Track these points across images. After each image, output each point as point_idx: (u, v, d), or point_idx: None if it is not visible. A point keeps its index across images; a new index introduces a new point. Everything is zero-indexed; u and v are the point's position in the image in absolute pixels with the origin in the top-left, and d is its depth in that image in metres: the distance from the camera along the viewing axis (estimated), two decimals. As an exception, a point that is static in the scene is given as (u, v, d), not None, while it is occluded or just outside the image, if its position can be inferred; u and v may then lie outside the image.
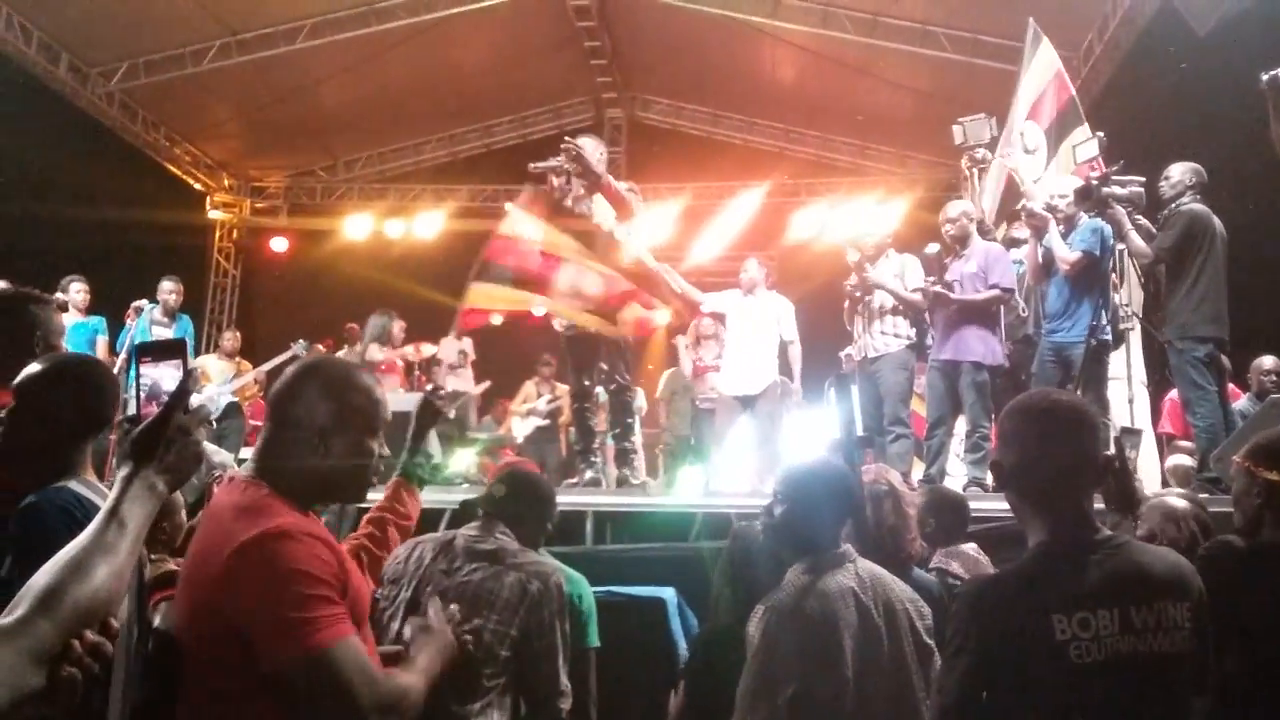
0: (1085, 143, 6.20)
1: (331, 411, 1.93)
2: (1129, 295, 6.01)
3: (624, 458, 5.84)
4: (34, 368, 2.37)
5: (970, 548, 3.51)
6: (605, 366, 5.87)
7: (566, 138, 5.71)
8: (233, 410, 8.52)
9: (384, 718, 1.82)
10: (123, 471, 1.44)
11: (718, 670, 2.89)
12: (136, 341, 7.94)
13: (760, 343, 7.19)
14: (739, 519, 4.72)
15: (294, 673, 1.75)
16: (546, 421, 10.02)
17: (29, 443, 2.28)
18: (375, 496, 2.96)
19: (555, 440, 10.18)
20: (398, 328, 8.76)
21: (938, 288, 5.99)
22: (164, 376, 1.67)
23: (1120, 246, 5.50)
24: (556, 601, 2.94)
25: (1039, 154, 7.06)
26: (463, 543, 2.95)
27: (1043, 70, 7.48)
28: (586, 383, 5.91)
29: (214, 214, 15.18)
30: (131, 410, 1.68)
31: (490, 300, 5.62)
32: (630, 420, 5.89)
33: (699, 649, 3.00)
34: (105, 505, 1.39)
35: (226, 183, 15.22)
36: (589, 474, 5.96)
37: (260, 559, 1.76)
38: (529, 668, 2.87)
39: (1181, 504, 3.16)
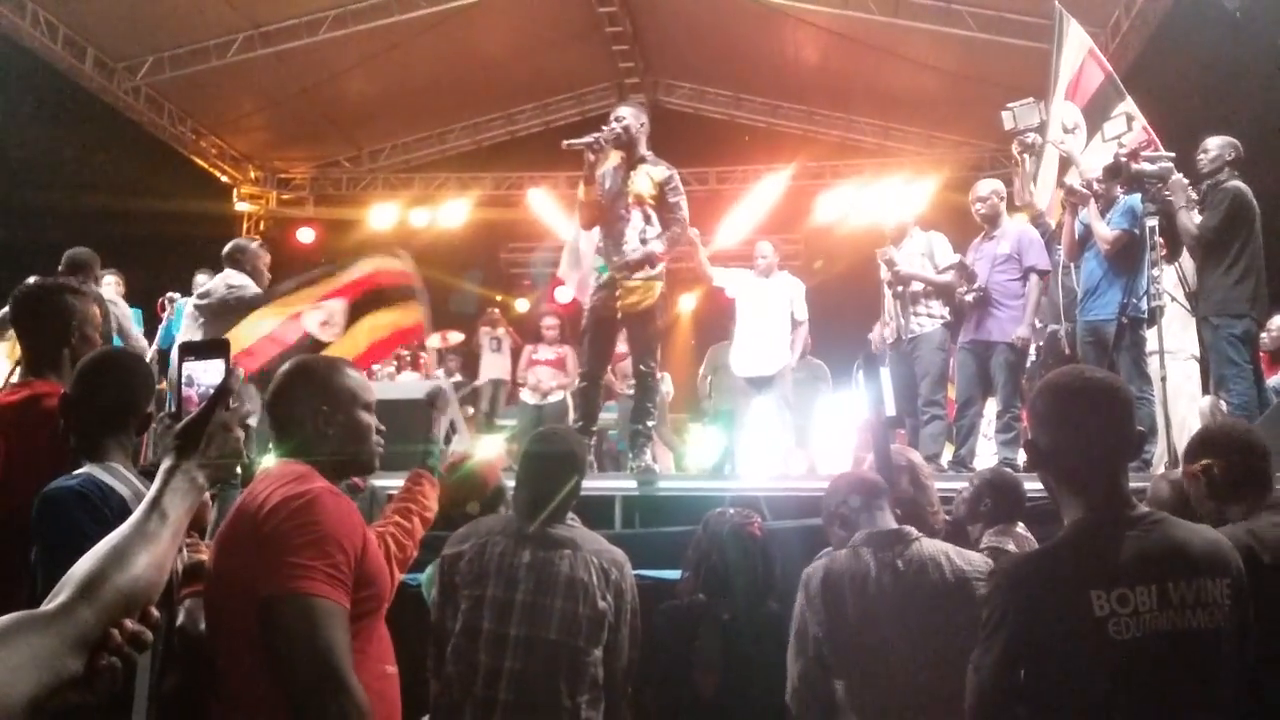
0: (1114, 119, 6.11)
1: (322, 397, 2.14)
2: (1170, 272, 5.92)
3: (636, 440, 5.79)
4: (85, 359, 2.46)
5: (1021, 527, 3.51)
6: (634, 351, 5.79)
7: (614, 116, 5.64)
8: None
9: (322, 693, 1.81)
10: (165, 464, 1.47)
11: (669, 644, 3.12)
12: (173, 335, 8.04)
13: (774, 324, 7.17)
14: (768, 503, 4.73)
15: (275, 609, 1.84)
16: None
17: (80, 430, 2.32)
18: (396, 483, 2.98)
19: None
20: None
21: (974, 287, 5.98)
22: (207, 373, 1.72)
23: (1153, 223, 5.41)
24: (631, 591, 2.98)
25: (1079, 133, 6.95)
26: (536, 530, 2.93)
27: (1075, 51, 7.38)
28: (603, 366, 5.84)
29: (241, 206, 15.27)
30: (173, 406, 1.73)
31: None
32: (651, 405, 5.82)
33: (654, 621, 3.16)
34: (148, 496, 1.40)
35: (253, 174, 15.32)
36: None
37: (292, 512, 1.89)
38: (608, 657, 2.89)
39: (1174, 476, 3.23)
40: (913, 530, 2.77)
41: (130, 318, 6.91)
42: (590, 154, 5.51)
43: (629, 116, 5.62)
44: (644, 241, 5.56)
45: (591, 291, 5.78)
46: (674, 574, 3.78)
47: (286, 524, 1.89)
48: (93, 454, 2.25)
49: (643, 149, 5.65)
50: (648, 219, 5.57)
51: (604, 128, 5.57)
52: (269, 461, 2.14)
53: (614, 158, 5.64)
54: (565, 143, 5.65)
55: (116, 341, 6.31)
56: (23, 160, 10.10)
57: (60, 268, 6.07)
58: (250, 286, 5.98)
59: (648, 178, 5.58)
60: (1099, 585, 1.86)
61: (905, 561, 2.67)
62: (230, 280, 5.96)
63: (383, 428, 2.25)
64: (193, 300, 5.95)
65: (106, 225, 10.21)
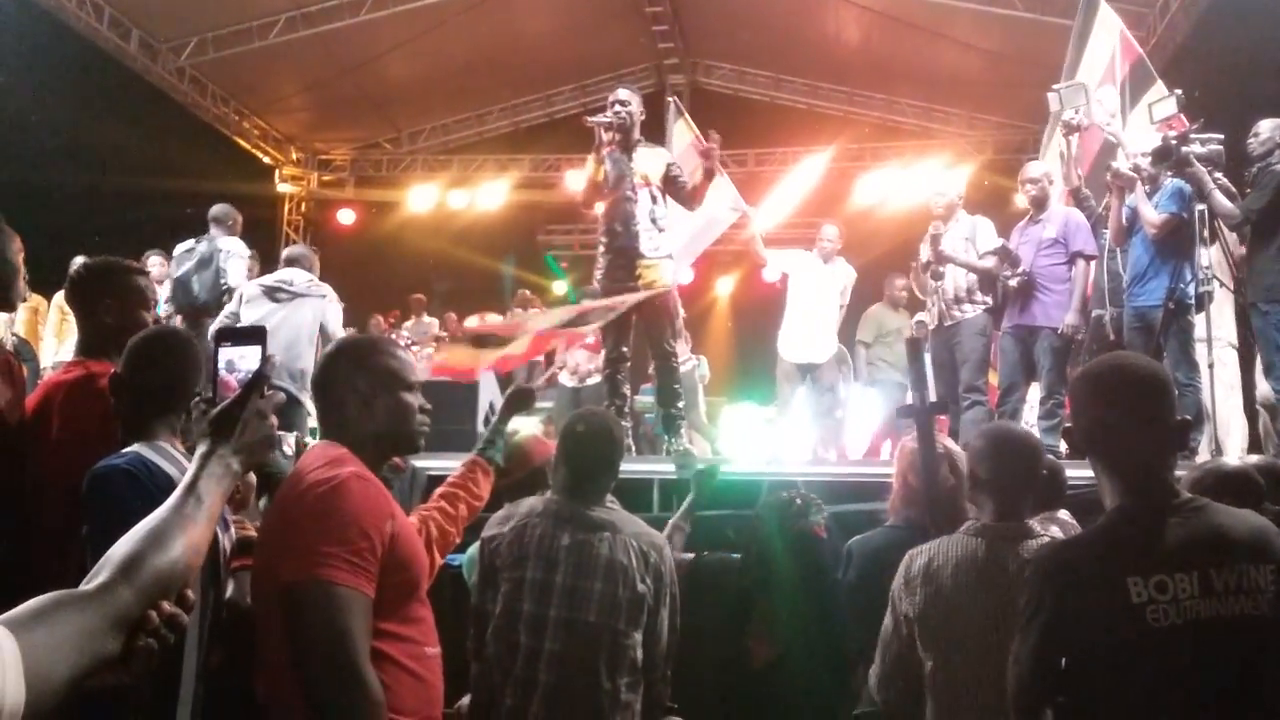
0: (1162, 101, 5.99)
1: (365, 378, 2.16)
2: (1209, 257, 5.81)
3: (670, 423, 5.77)
4: (135, 339, 2.48)
5: (1065, 514, 3.47)
6: (652, 333, 5.73)
7: (619, 100, 5.69)
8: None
9: (334, 680, 1.83)
10: (201, 449, 1.50)
11: (703, 592, 3.19)
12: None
13: (829, 310, 7.11)
14: (806, 488, 4.71)
15: (295, 594, 1.87)
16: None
17: (128, 409, 2.36)
18: (450, 465, 2.99)
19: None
20: None
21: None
22: (244, 359, 1.73)
23: (1201, 207, 5.31)
24: (670, 574, 2.97)
25: (1115, 119, 6.86)
26: (572, 512, 2.93)
27: (1105, 34, 7.29)
28: (624, 349, 5.80)
29: (283, 187, 15.41)
30: (210, 391, 1.75)
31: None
32: (676, 386, 5.80)
33: (690, 570, 3.24)
34: (184, 480, 1.43)
35: (294, 156, 15.44)
36: None
37: (317, 498, 1.92)
38: (648, 639, 2.89)
39: (1232, 464, 3.12)
40: (1036, 527, 2.63)
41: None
42: (603, 133, 5.54)
43: (632, 100, 5.72)
44: (654, 221, 5.57)
45: (600, 274, 5.79)
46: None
47: (311, 510, 1.92)
48: (141, 433, 2.28)
49: (638, 132, 5.75)
50: (654, 200, 5.60)
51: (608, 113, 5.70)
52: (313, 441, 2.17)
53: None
54: (587, 120, 5.71)
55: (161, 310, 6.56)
56: (67, 141, 10.24)
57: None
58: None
59: (653, 158, 5.66)
60: (1136, 572, 1.84)
61: (1016, 557, 2.49)
62: (312, 280, 6.33)
63: (428, 407, 2.26)
64: (268, 283, 6.17)
65: (149, 206, 10.35)
